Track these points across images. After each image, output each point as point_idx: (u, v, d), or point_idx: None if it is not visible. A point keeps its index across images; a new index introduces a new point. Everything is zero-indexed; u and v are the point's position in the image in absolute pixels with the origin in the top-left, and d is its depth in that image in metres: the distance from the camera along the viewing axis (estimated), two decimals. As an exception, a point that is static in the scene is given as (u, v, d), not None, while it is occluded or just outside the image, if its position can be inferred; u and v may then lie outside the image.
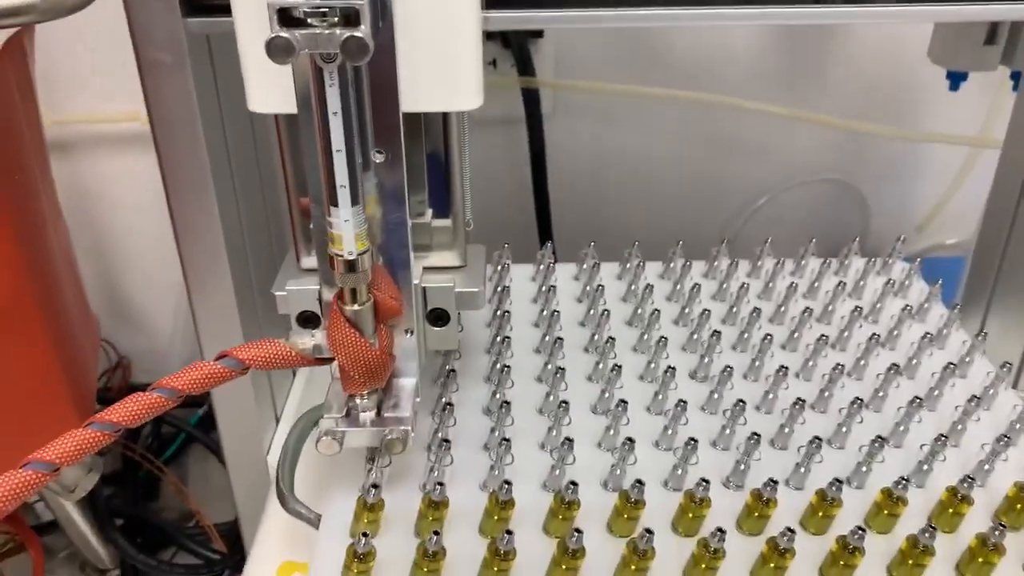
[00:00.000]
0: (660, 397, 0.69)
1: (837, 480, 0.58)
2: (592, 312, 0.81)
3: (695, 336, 0.77)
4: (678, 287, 0.83)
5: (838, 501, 0.58)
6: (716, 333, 0.73)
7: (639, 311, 0.79)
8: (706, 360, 0.73)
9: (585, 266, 0.87)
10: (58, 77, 1.06)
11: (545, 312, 0.80)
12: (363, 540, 0.54)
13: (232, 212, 0.72)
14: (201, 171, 0.66)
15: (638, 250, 0.85)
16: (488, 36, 1.02)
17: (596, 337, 0.76)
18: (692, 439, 0.62)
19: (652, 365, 0.73)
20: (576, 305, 0.84)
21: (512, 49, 1.00)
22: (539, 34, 1.01)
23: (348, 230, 0.52)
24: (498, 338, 0.75)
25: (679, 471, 0.62)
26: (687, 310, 0.80)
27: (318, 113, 0.49)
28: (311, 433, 0.71)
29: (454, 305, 0.62)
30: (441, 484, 0.57)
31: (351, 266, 0.53)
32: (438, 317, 0.62)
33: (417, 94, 0.54)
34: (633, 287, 0.84)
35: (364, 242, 0.53)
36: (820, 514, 0.58)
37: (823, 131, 1.10)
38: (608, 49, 1.04)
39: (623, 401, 0.65)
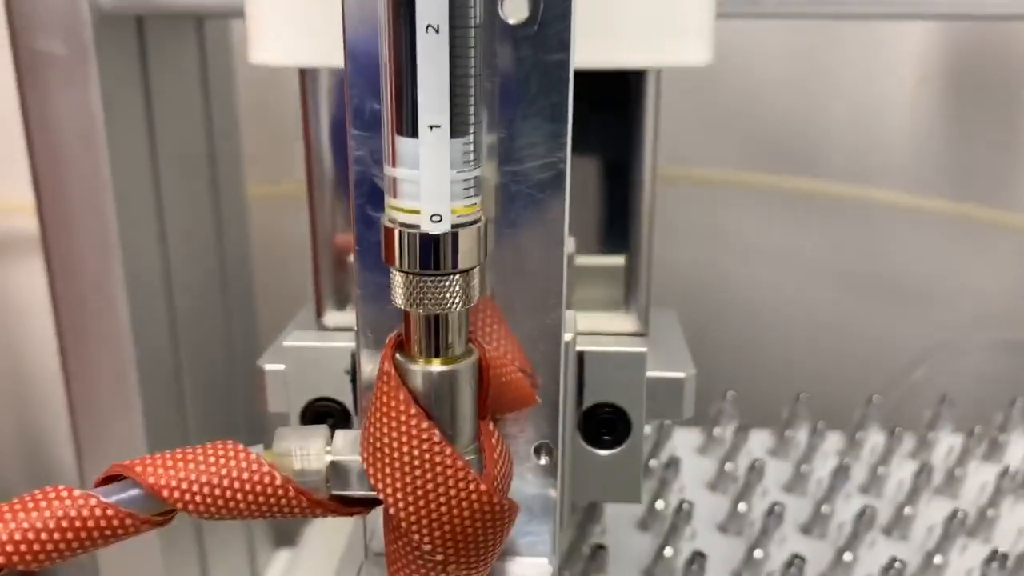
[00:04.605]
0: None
1: None
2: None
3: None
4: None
5: None
6: None
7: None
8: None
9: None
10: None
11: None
12: None
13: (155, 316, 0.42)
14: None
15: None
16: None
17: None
18: None
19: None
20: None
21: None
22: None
23: (436, 166, 0.20)
24: (662, 503, 0.41)
25: None
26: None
27: None
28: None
29: (643, 399, 0.29)
30: None
31: (435, 251, 0.21)
32: (607, 425, 0.29)
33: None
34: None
35: (473, 201, 0.21)
36: None
37: (1005, 272, 0.73)
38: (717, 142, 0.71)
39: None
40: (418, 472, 0.22)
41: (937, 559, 0.39)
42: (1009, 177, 0.66)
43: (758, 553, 0.39)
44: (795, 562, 0.38)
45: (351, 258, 0.33)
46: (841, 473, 0.44)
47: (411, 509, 0.23)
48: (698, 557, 0.38)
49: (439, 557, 0.23)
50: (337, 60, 0.26)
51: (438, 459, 0.22)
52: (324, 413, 0.29)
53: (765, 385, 0.59)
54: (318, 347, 0.29)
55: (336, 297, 0.34)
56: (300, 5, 0.28)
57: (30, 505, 0.22)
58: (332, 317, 0.33)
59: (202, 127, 0.46)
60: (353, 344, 0.29)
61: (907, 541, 0.42)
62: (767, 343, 0.69)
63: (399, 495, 0.22)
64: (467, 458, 0.23)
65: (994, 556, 0.38)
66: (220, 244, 0.48)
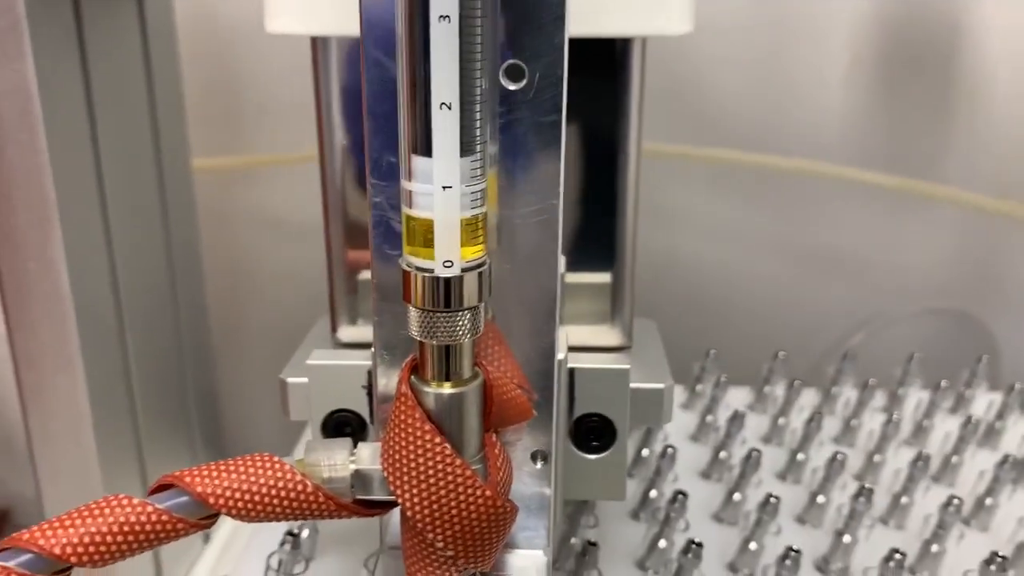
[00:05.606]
0: None
1: None
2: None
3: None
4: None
5: None
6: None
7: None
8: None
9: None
10: None
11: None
12: None
13: (98, 281, 0.45)
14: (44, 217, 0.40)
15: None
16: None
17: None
18: None
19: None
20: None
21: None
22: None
23: (449, 208, 0.24)
24: (652, 491, 0.44)
25: None
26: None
27: None
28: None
29: (627, 410, 0.32)
30: None
31: (446, 292, 0.24)
32: (594, 433, 0.32)
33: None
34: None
35: (480, 244, 0.25)
36: None
37: (935, 248, 0.75)
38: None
39: None
40: (432, 480, 0.26)
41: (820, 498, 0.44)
42: (941, 151, 0.68)
43: (737, 496, 0.43)
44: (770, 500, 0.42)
45: (361, 277, 0.37)
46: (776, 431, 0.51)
47: (426, 512, 0.26)
48: (680, 496, 0.41)
49: (450, 552, 0.27)
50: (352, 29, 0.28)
51: (449, 469, 0.26)
52: (343, 422, 0.33)
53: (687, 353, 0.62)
54: (338, 364, 0.32)
55: (349, 314, 0.37)
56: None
57: (96, 512, 0.25)
58: (345, 332, 0.37)
59: (144, 101, 0.48)
60: (368, 361, 0.32)
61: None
62: (697, 312, 0.72)
63: (415, 500, 0.26)
64: (474, 467, 0.26)
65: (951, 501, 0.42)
66: (164, 213, 0.50)
